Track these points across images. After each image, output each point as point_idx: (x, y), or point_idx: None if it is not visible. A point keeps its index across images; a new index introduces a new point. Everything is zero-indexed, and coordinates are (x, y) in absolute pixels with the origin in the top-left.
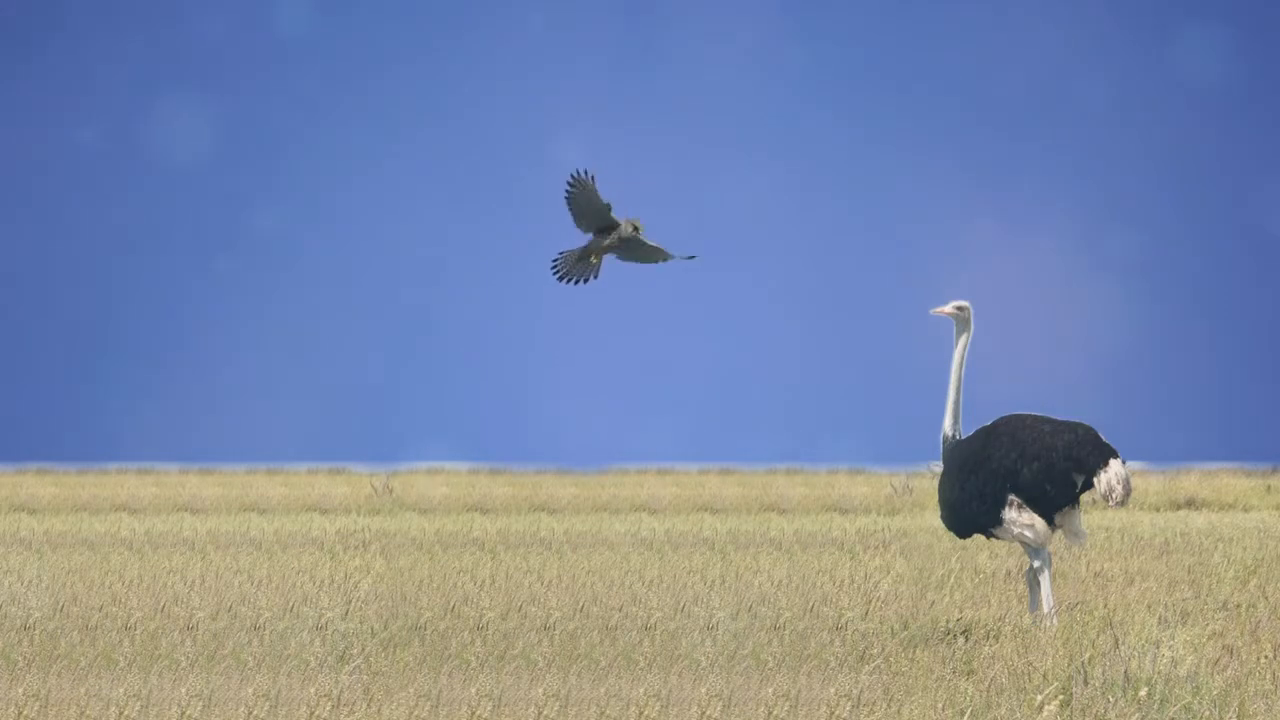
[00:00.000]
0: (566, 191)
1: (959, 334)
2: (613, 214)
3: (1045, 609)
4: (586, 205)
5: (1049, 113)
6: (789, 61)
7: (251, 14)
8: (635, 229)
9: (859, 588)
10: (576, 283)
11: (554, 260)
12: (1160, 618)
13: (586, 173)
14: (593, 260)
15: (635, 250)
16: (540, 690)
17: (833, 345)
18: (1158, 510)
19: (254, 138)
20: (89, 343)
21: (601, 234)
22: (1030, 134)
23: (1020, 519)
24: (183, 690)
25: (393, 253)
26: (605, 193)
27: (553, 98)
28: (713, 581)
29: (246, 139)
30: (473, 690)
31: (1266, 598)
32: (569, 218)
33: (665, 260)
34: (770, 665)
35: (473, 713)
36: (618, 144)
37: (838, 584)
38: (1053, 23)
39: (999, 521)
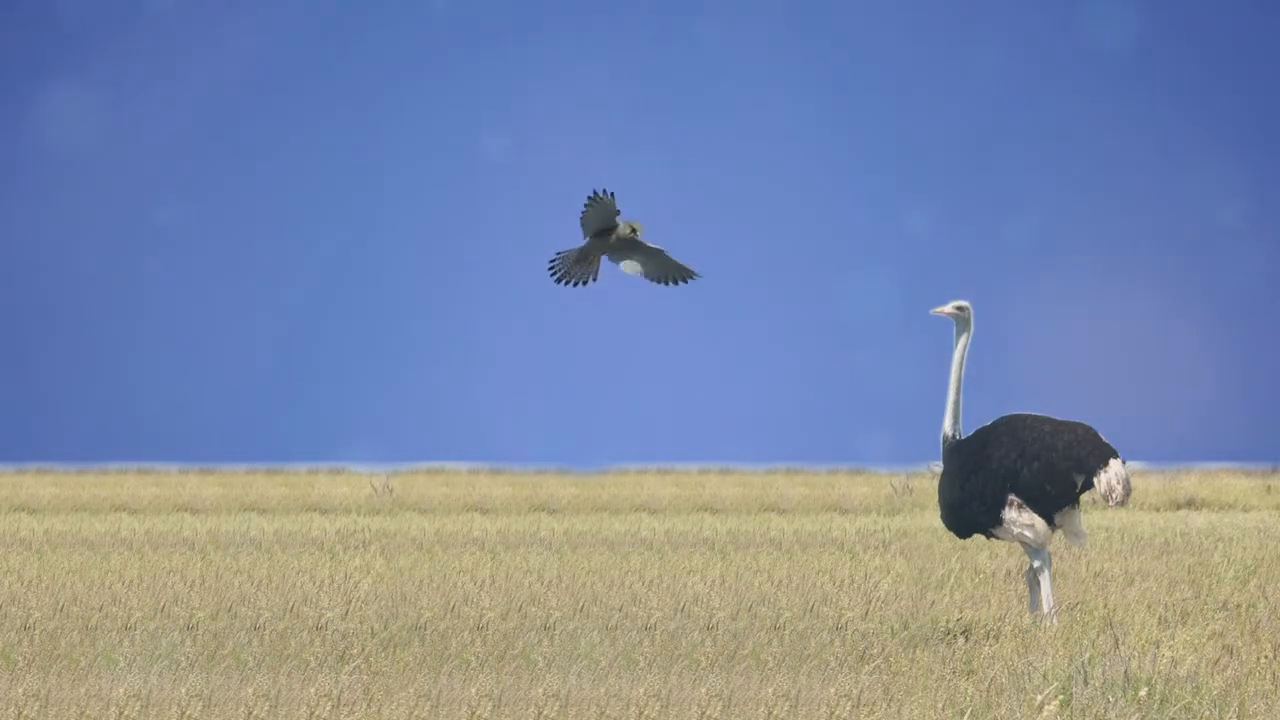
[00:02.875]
0: (584, 210)
1: (959, 334)
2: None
3: (1045, 609)
4: (597, 218)
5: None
6: (700, 36)
7: None
8: (634, 230)
9: (859, 588)
10: (575, 285)
11: (552, 261)
12: (1160, 618)
13: (607, 191)
14: (591, 262)
15: (634, 253)
16: (540, 690)
17: (831, 345)
18: (1158, 510)
19: (141, 122)
20: (88, 342)
21: (600, 236)
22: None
23: (1020, 519)
24: (183, 690)
25: (334, 245)
26: (549, 184)
27: (462, 75)
28: (713, 581)
29: (132, 123)
30: (473, 690)
31: (1266, 598)
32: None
33: (668, 279)
34: (770, 665)
35: (473, 713)
36: (544, 133)
37: (838, 584)
38: None
39: (999, 521)
